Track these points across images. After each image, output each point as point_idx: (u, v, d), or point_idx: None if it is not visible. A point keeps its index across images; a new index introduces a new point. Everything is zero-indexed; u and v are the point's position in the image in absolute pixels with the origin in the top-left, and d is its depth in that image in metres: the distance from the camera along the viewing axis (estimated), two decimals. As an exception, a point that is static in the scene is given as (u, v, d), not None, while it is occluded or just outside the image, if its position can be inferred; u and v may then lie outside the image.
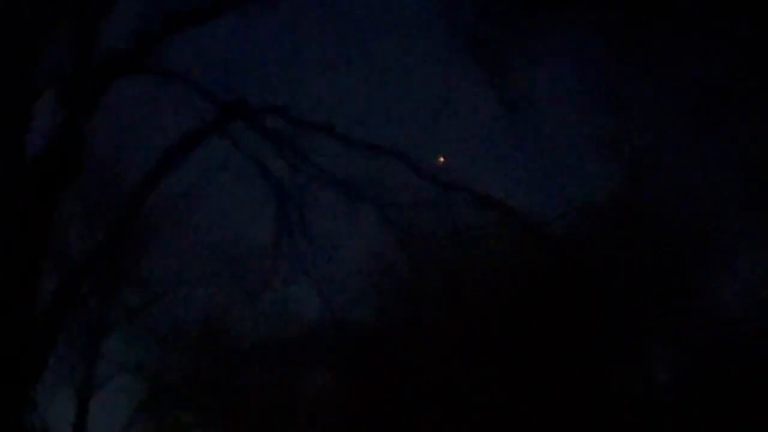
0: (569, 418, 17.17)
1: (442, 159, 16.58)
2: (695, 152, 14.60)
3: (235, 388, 22.29)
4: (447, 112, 18.00)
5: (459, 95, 17.29)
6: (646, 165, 16.24)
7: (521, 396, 17.75)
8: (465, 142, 18.90)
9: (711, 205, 16.43)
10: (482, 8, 14.54)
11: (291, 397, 22.38)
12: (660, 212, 17.34)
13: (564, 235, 16.89)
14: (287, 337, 21.19)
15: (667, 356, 18.81)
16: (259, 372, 22.51)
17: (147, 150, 15.11)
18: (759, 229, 16.57)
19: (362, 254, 18.59)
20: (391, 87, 18.51)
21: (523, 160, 16.17)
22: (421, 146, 16.67)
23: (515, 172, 17.34)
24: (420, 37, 16.10)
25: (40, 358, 10.77)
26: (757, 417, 16.33)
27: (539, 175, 15.98)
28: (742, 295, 17.28)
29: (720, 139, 14.11)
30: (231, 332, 22.14)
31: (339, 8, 14.81)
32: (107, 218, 17.02)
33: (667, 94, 14.02)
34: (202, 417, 23.22)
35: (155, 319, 21.97)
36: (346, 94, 18.10)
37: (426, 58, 16.63)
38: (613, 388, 18.47)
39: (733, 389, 16.97)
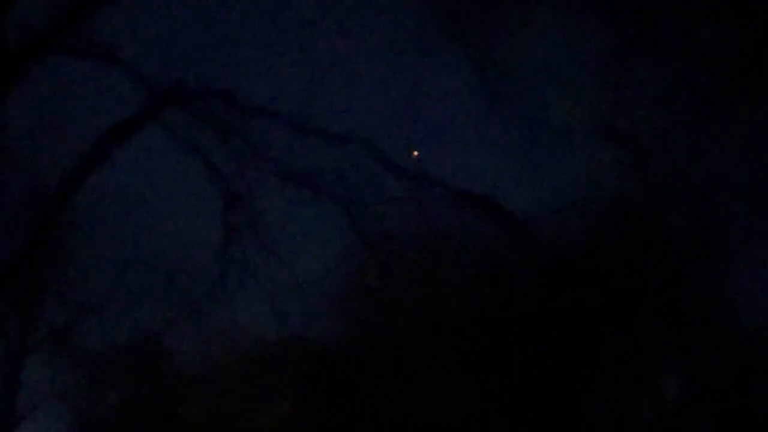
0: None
1: (415, 153, 16.58)
2: (708, 138, 14.57)
3: (179, 420, 22.14)
4: (418, 94, 17.95)
5: (431, 74, 17.28)
6: (650, 152, 16.25)
7: (511, 419, 17.73)
8: (439, 129, 18.88)
9: (725, 198, 16.41)
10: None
11: (244, 430, 22.23)
12: (666, 207, 17.35)
13: (556, 235, 16.94)
14: (238, 359, 21.09)
15: (677, 372, 18.86)
16: (205, 400, 22.38)
17: (72, 142, 15.01)
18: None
19: (325, 260, 18.56)
20: (353, 67, 18.48)
21: (507, 148, 16.21)
22: (389, 135, 16.62)
23: (498, 163, 17.36)
24: (384, 6, 16.06)
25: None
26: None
27: (526, 167, 16.00)
28: (762, 300, 17.31)
29: (738, 124, 14.08)
30: (172, 354, 22.01)
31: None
32: (26, 222, 16.84)
33: (676, 69, 13.99)
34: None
35: (84, 340, 21.68)
36: (302, 78, 18.00)
37: (391, 31, 16.57)
38: (617, 411, 18.52)
39: (752, 409, 17.06)
